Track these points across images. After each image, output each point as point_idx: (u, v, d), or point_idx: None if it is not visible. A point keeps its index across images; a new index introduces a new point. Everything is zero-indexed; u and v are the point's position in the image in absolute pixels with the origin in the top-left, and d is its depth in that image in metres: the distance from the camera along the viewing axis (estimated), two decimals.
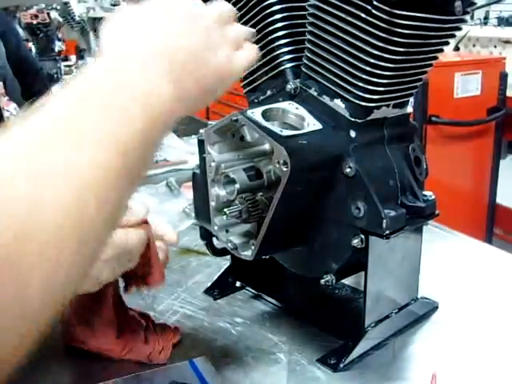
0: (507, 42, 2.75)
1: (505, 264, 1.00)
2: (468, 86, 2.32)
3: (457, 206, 2.43)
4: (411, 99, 0.73)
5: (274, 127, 0.66)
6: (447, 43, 0.69)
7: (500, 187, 2.62)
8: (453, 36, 0.68)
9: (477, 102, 2.38)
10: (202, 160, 0.74)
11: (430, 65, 0.70)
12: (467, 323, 0.81)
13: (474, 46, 2.97)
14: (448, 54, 2.68)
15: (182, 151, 1.66)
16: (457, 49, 2.87)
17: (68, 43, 4.03)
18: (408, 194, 0.71)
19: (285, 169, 0.63)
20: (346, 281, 0.86)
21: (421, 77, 0.71)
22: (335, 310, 0.85)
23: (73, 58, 4.15)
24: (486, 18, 3.57)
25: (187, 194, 1.25)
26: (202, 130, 0.73)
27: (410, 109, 0.75)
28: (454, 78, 2.29)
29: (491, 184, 2.56)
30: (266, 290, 0.89)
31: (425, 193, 0.72)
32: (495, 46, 2.82)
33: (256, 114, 0.67)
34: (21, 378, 0.34)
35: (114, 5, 1.89)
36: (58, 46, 2.97)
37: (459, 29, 0.68)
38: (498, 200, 2.65)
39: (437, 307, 0.84)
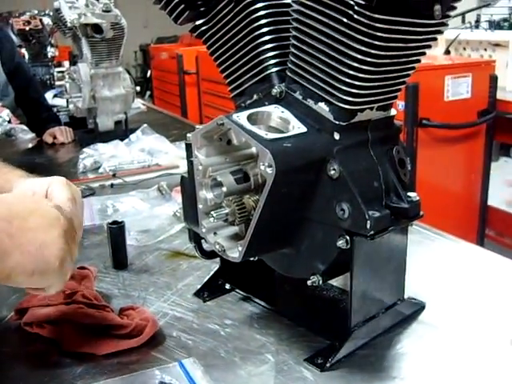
0: (497, 44, 2.77)
1: (491, 264, 1.01)
2: (458, 88, 2.34)
3: (449, 208, 2.44)
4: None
5: (259, 130, 0.67)
6: (429, 46, 0.70)
7: (493, 189, 2.63)
8: (434, 39, 0.69)
9: (467, 105, 2.40)
10: (190, 163, 0.75)
11: (413, 68, 0.71)
12: (454, 323, 0.82)
13: (464, 49, 2.99)
14: (439, 58, 2.70)
15: (173, 156, 1.68)
16: (447, 52, 2.90)
17: (61, 49, 4.03)
18: (392, 195, 0.72)
19: (270, 171, 0.64)
20: (335, 282, 0.87)
21: (404, 80, 0.72)
22: (323, 310, 0.85)
23: (66, 63, 4.15)
24: (478, 21, 3.59)
25: (178, 198, 1.26)
26: (189, 134, 0.74)
27: (394, 111, 0.76)
28: (444, 81, 2.30)
29: (482, 186, 2.58)
30: (255, 292, 0.89)
31: (409, 194, 0.73)
32: (485, 50, 2.84)
33: (241, 117, 0.68)
34: None
35: (106, 11, 1.89)
36: (51, 51, 2.96)
37: (440, 32, 0.69)
38: (492, 202, 2.66)
39: (424, 307, 0.85)
